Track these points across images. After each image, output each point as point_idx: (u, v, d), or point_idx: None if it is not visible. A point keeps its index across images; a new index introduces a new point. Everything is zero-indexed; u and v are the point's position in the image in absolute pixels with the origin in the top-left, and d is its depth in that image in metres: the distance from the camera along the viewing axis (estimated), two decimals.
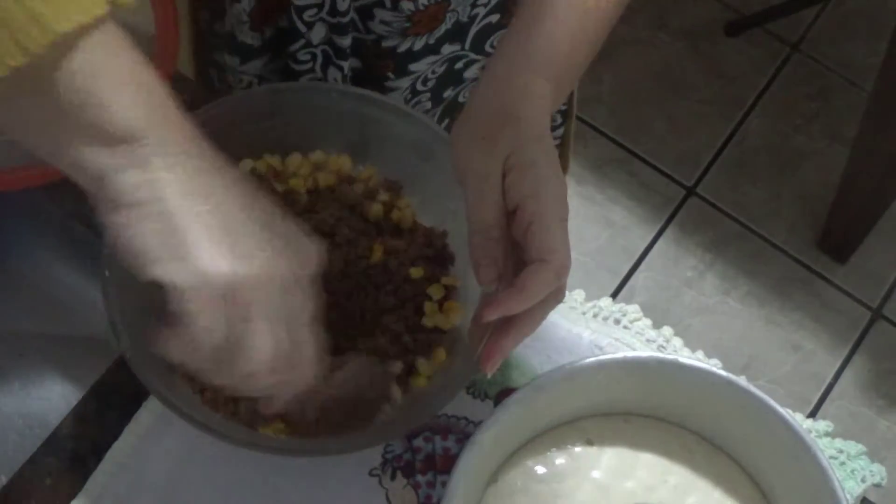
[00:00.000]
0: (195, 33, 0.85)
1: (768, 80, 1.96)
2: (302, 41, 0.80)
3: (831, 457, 0.77)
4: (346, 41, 0.80)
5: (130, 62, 0.47)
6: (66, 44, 0.44)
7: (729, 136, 1.90)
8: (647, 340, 0.80)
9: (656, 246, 1.81)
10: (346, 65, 0.82)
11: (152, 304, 0.47)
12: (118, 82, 0.46)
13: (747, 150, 1.89)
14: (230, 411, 0.70)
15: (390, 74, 0.83)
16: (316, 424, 0.68)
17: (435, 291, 0.73)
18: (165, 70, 0.78)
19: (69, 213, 0.83)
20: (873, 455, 0.77)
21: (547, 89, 0.62)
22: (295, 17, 0.78)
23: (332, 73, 0.83)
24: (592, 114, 1.89)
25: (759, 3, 1.99)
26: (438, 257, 0.75)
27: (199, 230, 0.46)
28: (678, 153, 1.88)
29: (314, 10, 0.77)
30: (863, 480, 0.76)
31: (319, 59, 0.82)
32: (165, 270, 0.46)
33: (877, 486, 0.77)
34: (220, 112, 0.72)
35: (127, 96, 0.46)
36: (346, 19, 0.77)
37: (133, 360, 0.66)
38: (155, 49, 0.77)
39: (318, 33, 0.79)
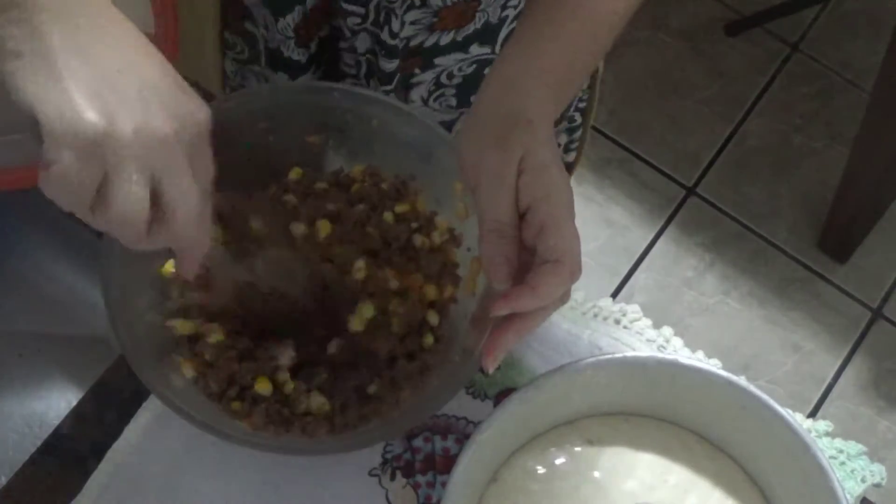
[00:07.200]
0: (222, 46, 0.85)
1: (768, 80, 1.96)
2: (347, 44, 0.80)
3: (831, 457, 0.77)
4: (391, 65, 0.79)
5: None
6: None
7: (729, 136, 1.90)
8: (647, 340, 0.80)
9: (656, 246, 1.81)
10: (388, 88, 0.82)
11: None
12: None
13: (747, 150, 1.89)
14: (232, 410, 0.70)
15: (417, 70, 0.83)
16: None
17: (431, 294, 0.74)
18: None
19: (69, 214, 0.83)
20: (873, 455, 0.78)
21: (549, 95, 0.62)
22: (342, 21, 0.78)
23: (375, 82, 0.83)
24: None
25: (759, 3, 1.98)
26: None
27: (76, 83, 0.50)
28: (678, 153, 1.88)
29: (358, 20, 0.77)
30: (863, 480, 0.76)
31: (364, 68, 0.81)
32: (40, 110, 0.49)
33: (877, 486, 0.77)
34: (220, 112, 0.72)
35: None
36: (389, 38, 0.77)
37: (133, 360, 0.66)
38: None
39: (363, 42, 0.79)
